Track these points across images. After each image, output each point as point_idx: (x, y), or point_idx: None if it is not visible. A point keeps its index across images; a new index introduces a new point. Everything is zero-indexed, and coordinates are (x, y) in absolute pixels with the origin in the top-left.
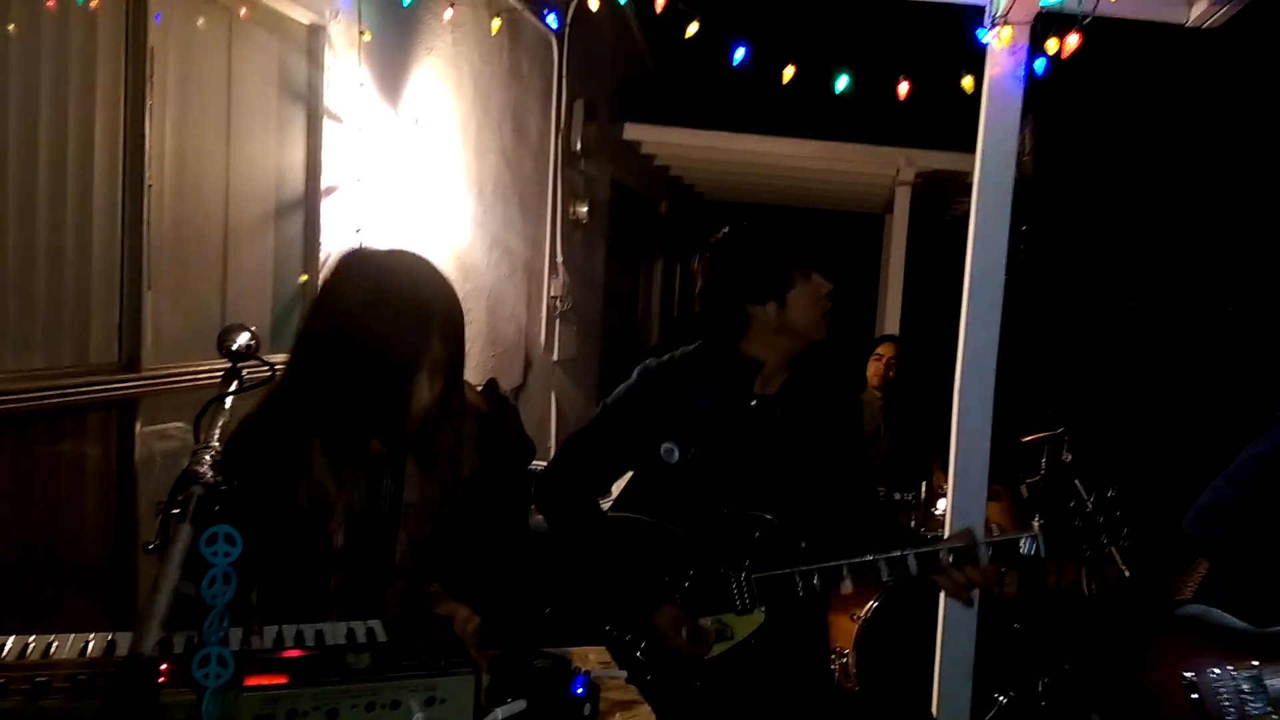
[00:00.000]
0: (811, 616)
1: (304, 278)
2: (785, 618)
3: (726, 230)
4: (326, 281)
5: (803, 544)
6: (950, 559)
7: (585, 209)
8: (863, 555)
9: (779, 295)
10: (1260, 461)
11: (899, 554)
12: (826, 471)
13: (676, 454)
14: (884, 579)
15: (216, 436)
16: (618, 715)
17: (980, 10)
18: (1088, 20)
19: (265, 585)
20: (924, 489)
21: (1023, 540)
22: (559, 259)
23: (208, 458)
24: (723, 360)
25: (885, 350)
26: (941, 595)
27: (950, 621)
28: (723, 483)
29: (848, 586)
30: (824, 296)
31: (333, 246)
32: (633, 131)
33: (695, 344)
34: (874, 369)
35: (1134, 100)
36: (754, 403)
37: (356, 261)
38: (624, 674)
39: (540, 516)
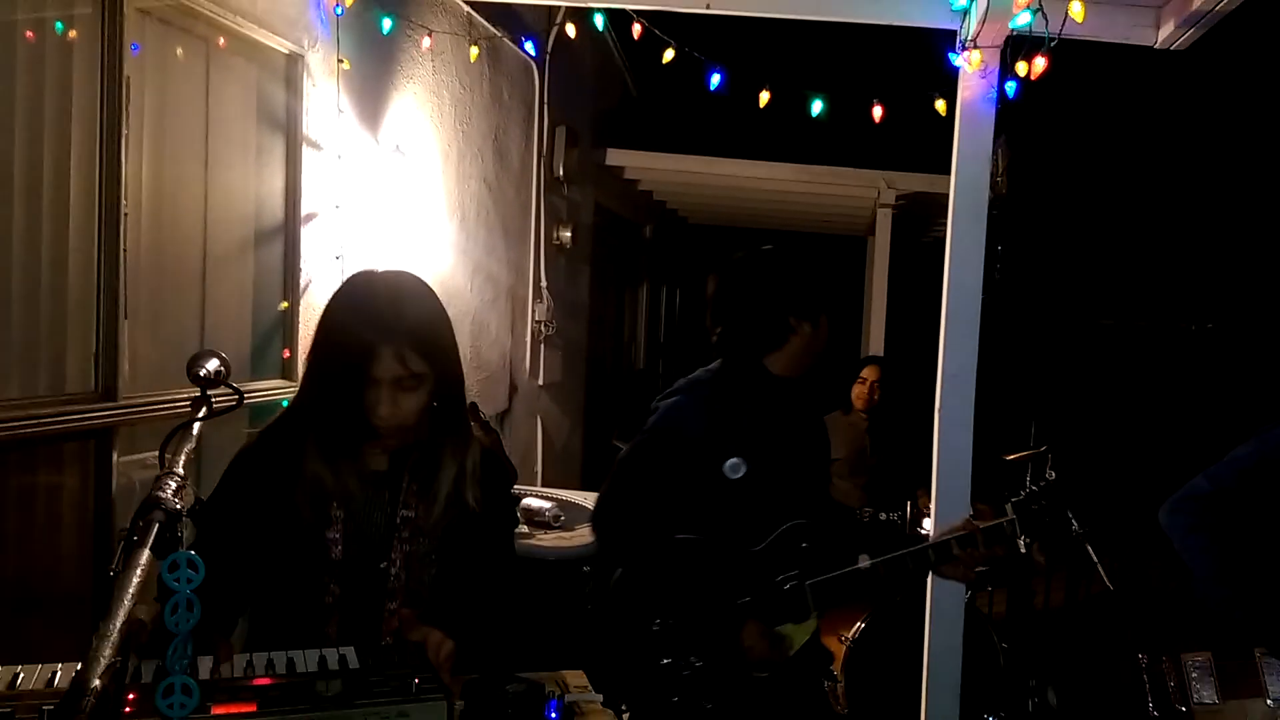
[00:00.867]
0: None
1: (284, 304)
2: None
3: (768, 248)
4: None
5: (841, 544)
6: (958, 548)
7: (569, 234)
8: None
9: (815, 316)
10: (1241, 462)
11: (922, 547)
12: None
13: (743, 469)
14: (910, 567)
15: (181, 463)
16: None
17: (952, 34)
18: (1055, 43)
19: (265, 595)
20: (909, 509)
21: (1004, 524)
22: (543, 284)
23: (171, 484)
24: (755, 378)
25: (869, 374)
26: (928, 614)
27: (936, 642)
28: (775, 495)
29: (882, 578)
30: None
31: (313, 273)
32: (615, 157)
33: (714, 365)
34: (858, 392)
35: (1107, 120)
36: (782, 416)
37: (346, 281)
38: (599, 697)
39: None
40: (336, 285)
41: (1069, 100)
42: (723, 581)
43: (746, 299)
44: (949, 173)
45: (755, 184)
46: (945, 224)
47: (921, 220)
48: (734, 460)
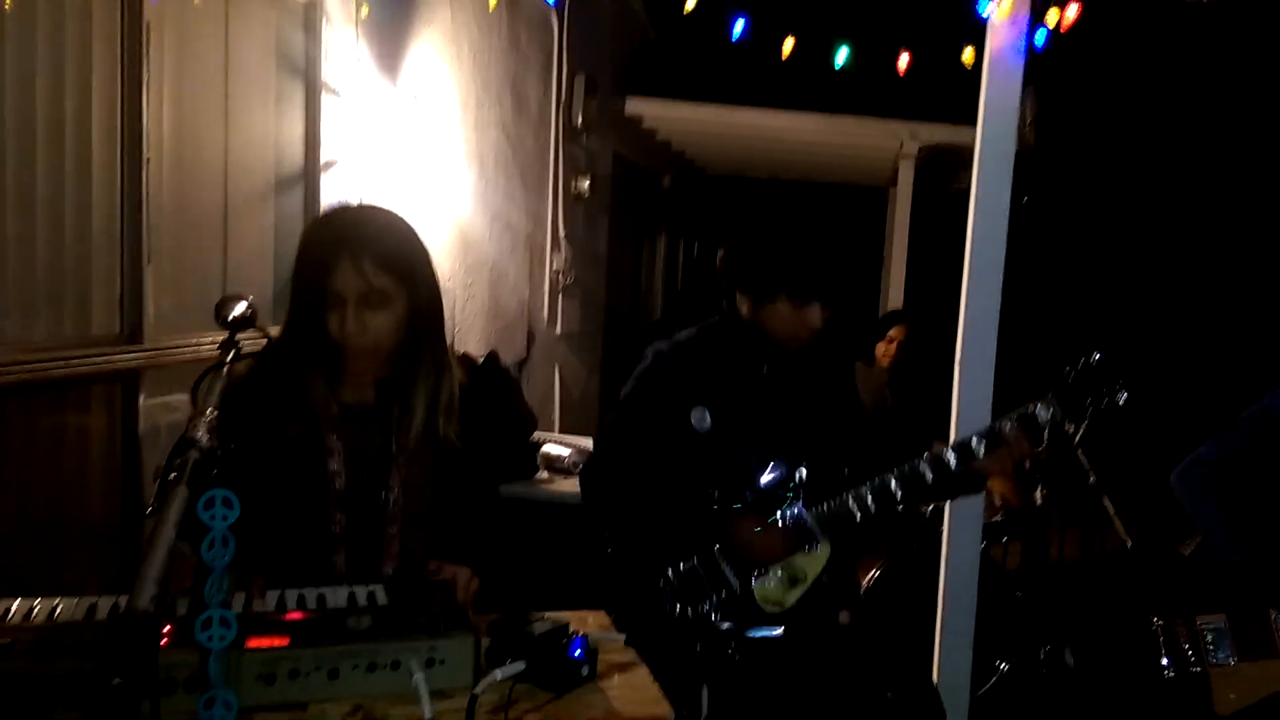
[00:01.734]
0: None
1: None
2: (846, 548)
3: (766, 215)
4: None
5: (846, 470)
6: (982, 447)
7: (587, 184)
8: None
9: (757, 299)
10: (1250, 423)
11: (938, 453)
12: (839, 431)
13: (708, 419)
14: (929, 480)
15: (214, 404)
16: (616, 676)
17: None
18: None
19: (275, 528)
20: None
21: (1037, 408)
22: (561, 233)
23: (204, 424)
24: (737, 330)
25: (897, 333)
26: (943, 563)
27: (951, 592)
28: (755, 443)
29: (899, 497)
30: (806, 326)
31: None
32: (634, 106)
33: (710, 319)
34: (884, 350)
35: (1137, 71)
36: (766, 369)
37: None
38: (622, 636)
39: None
40: None
41: (1099, 50)
42: (713, 528)
43: (722, 254)
44: (974, 123)
45: (775, 134)
46: (969, 175)
47: (944, 171)
48: (698, 411)
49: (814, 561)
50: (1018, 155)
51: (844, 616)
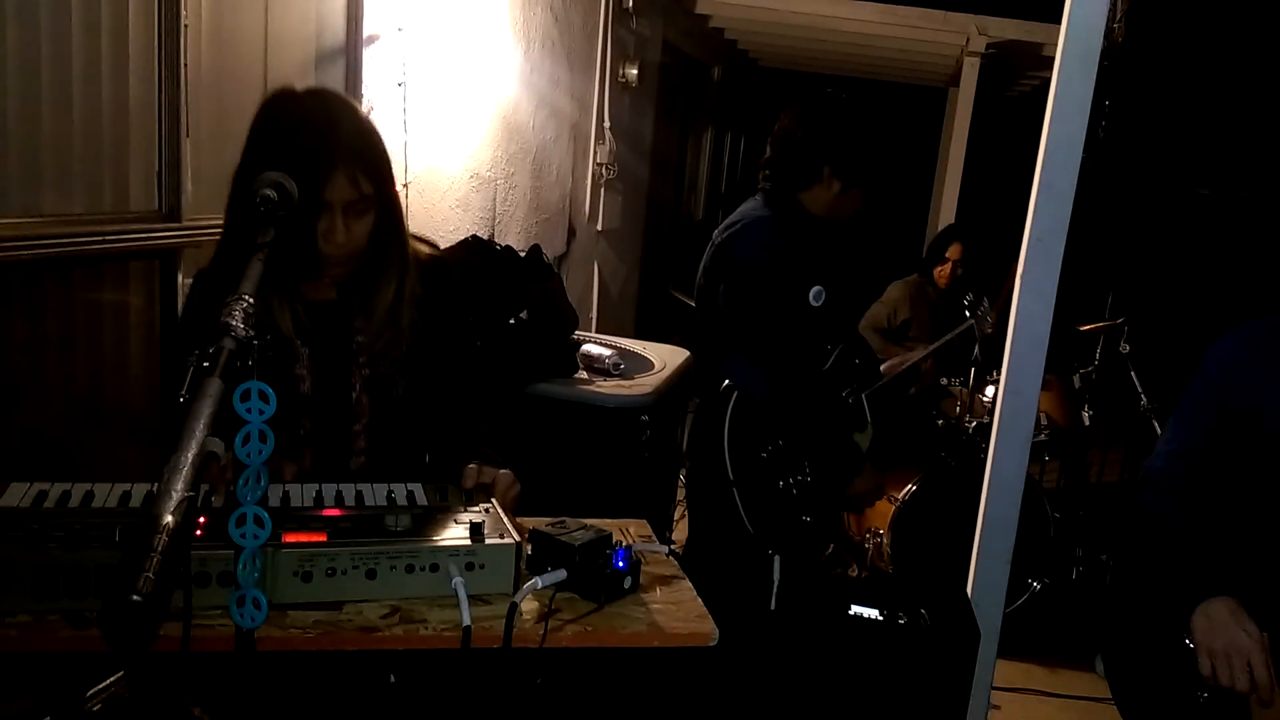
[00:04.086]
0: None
1: None
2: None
3: (835, 93)
4: (251, 124)
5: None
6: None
7: (635, 72)
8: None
9: (848, 184)
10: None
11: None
12: None
13: (824, 296)
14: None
15: (251, 289)
16: (659, 590)
17: None
18: None
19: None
20: (972, 376)
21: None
22: (606, 124)
23: (239, 310)
24: (795, 212)
25: (953, 253)
26: (986, 479)
27: (992, 511)
28: (840, 320)
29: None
30: (853, 210)
31: (374, 99)
32: None
33: (754, 202)
34: (942, 272)
35: None
36: (827, 250)
37: (271, 101)
38: (665, 548)
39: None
40: (396, 112)
41: None
42: (811, 404)
43: (793, 132)
44: (1049, 18)
45: (834, 24)
46: (1034, 77)
47: (1009, 72)
48: (817, 288)
49: (864, 439)
50: (1104, 55)
51: None
